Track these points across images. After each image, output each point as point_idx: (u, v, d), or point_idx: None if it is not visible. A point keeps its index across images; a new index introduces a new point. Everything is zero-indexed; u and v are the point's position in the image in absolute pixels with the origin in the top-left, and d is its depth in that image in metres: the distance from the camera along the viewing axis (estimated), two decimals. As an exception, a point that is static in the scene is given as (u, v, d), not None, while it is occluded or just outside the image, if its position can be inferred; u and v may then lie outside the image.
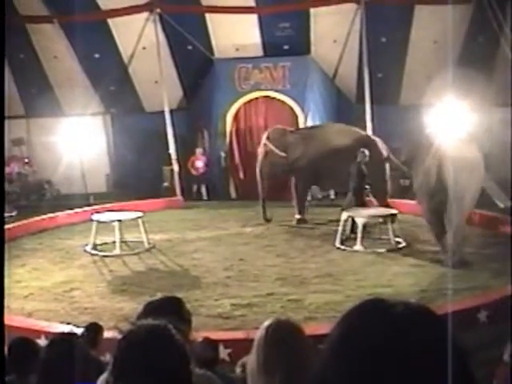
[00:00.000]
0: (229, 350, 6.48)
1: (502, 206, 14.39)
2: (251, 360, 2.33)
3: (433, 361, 0.96)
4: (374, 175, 13.02)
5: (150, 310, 2.67)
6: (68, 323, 7.42)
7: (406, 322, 1.01)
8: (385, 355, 0.96)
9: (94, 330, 5.32)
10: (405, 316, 1.02)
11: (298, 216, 14.02)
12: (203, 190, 18.14)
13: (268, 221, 14.09)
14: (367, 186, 13.00)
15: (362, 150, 12.71)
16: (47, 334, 6.46)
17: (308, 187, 14.35)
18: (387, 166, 13.70)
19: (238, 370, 3.42)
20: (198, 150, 18.19)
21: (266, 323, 2.36)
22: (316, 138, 13.97)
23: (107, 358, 4.20)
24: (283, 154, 13.93)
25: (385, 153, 13.79)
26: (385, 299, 1.06)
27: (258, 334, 2.34)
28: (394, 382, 0.95)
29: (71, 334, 2.92)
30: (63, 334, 3.06)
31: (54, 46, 18.08)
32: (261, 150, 14.42)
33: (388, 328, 0.99)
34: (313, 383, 1.06)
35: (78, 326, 6.27)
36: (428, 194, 10.50)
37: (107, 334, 5.28)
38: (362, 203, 12.73)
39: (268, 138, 14.31)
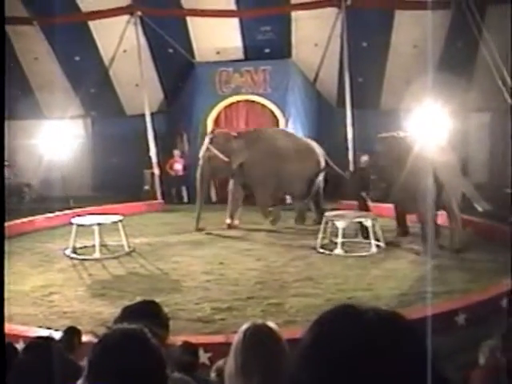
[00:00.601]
0: (209, 354, 6.45)
1: (480, 209, 14.49)
2: (229, 363, 2.33)
3: (402, 366, 0.97)
4: (307, 181, 13.77)
5: (127, 314, 2.67)
6: (47, 328, 7.36)
7: (376, 328, 1.02)
8: (354, 360, 0.97)
9: (71, 334, 5.28)
10: (374, 322, 1.03)
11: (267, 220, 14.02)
12: (184, 192, 18.13)
13: (200, 230, 13.80)
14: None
15: (362, 154, 12.82)
16: (25, 339, 6.39)
17: (269, 191, 13.98)
18: (323, 173, 14.28)
19: (213, 374, 3.42)
20: (176, 152, 18.21)
21: (244, 327, 2.37)
22: (260, 143, 13.91)
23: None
24: (227, 159, 13.74)
25: (322, 160, 14.31)
26: (356, 305, 1.07)
27: (235, 338, 2.35)
28: None
29: (47, 339, 2.90)
30: (39, 338, 3.04)
31: (34, 48, 17.99)
32: (203, 155, 14.15)
33: (358, 334, 1.00)
34: None
35: (56, 331, 6.23)
36: (422, 196, 10.79)
37: (86, 338, 5.24)
38: (365, 208, 12.73)
39: (211, 142, 14.10)
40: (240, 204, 14.35)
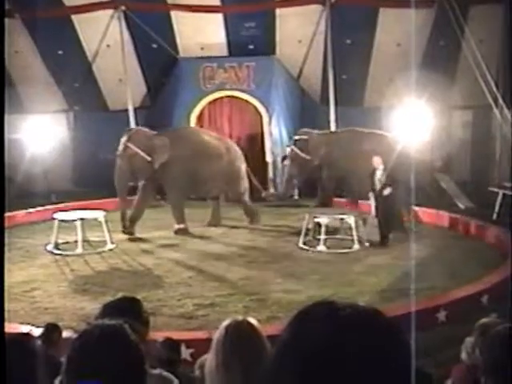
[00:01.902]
0: (191, 350, 6.46)
1: (462, 206, 14.62)
2: (210, 359, 2.34)
3: (381, 363, 0.98)
4: (229, 178, 13.61)
5: (108, 310, 2.65)
6: (28, 324, 7.32)
7: (354, 324, 1.02)
8: (332, 357, 0.97)
9: (51, 329, 5.25)
10: (353, 319, 1.03)
11: (177, 226, 13.26)
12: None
13: (131, 234, 12.91)
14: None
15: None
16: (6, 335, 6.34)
17: (185, 195, 13.60)
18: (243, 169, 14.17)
19: (197, 371, 3.41)
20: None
21: (225, 323, 2.37)
22: (184, 141, 13.43)
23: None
24: (149, 158, 12.87)
25: (243, 162, 14.19)
26: (334, 302, 1.07)
27: (216, 334, 2.35)
28: (342, 382, 0.96)
29: (27, 334, 2.88)
30: (17, 334, 3.02)
31: (15, 42, 17.80)
32: (121, 154, 13.10)
33: (336, 330, 1.00)
34: (264, 381, 1.07)
35: (38, 327, 6.19)
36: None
37: (66, 334, 5.22)
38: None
39: (129, 139, 13.05)
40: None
